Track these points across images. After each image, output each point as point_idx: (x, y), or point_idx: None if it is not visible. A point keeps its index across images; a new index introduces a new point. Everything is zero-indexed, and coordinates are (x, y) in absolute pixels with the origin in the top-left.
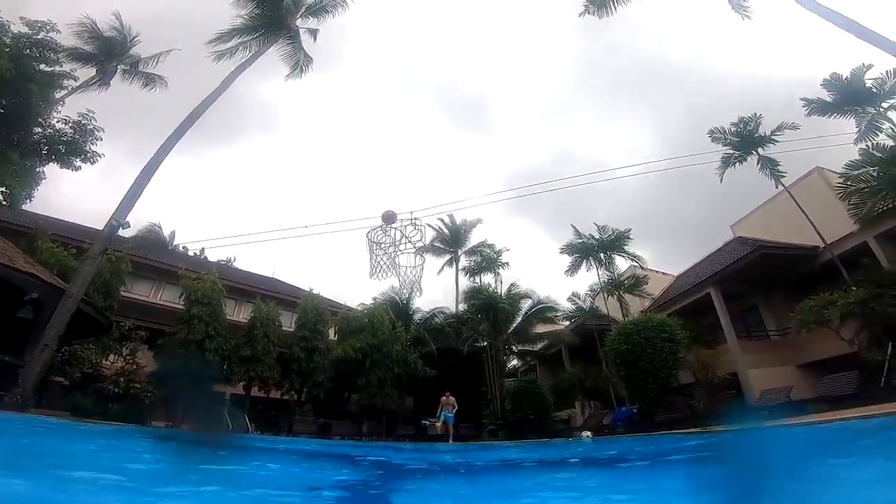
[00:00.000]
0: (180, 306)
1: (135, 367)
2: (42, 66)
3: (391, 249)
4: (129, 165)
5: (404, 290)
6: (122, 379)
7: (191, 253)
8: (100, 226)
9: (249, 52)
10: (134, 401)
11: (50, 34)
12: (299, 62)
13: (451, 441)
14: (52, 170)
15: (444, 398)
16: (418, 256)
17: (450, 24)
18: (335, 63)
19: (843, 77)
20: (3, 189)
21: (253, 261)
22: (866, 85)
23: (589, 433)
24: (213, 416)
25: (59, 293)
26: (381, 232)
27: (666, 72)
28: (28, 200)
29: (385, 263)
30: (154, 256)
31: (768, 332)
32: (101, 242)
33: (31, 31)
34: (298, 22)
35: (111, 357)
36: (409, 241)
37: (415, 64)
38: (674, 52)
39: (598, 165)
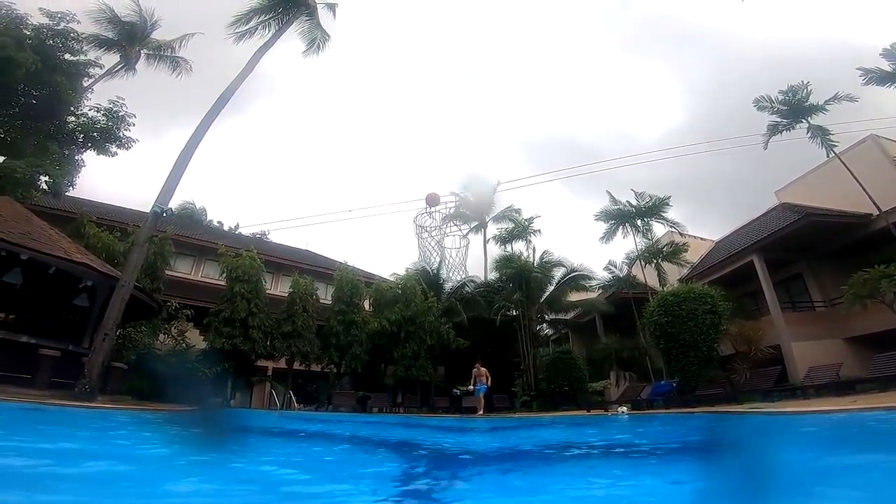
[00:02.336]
0: (221, 282)
1: (185, 346)
2: (67, 56)
3: (436, 233)
4: (151, 145)
5: (450, 273)
6: (173, 359)
7: (225, 228)
8: (134, 205)
9: (269, 31)
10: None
11: (70, 24)
12: (316, 39)
13: (481, 412)
14: (89, 157)
15: (475, 369)
16: (462, 239)
17: None
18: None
19: None
20: (47, 178)
21: (285, 234)
22: None
23: (625, 408)
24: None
25: (112, 281)
26: (426, 215)
27: (690, 29)
28: (70, 188)
29: (432, 246)
30: (191, 233)
31: (813, 304)
32: (147, 229)
33: (51, 22)
34: None
35: (161, 337)
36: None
37: (426, 26)
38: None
39: (622, 122)
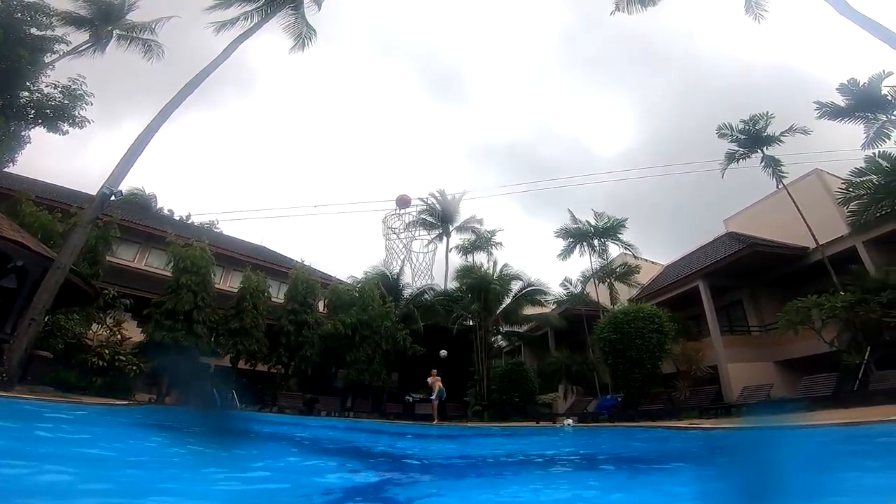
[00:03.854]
0: (165, 273)
1: (120, 337)
2: (33, 30)
3: (404, 236)
4: (103, 128)
5: (416, 276)
6: (106, 351)
7: (176, 217)
8: (79, 187)
9: (250, 21)
10: (119, 374)
11: None
12: (302, 34)
13: (436, 421)
14: (37, 133)
15: (431, 379)
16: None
17: None
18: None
19: (861, 83)
20: None
21: (239, 227)
22: (882, 92)
23: (570, 420)
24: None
25: (46, 262)
26: (396, 216)
27: (652, 51)
28: (10, 164)
29: (399, 249)
30: (138, 219)
31: (749, 329)
32: (92, 210)
33: None
34: None
35: (94, 327)
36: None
37: (394, 32)
38: (661, 31)
39: (577, 140)
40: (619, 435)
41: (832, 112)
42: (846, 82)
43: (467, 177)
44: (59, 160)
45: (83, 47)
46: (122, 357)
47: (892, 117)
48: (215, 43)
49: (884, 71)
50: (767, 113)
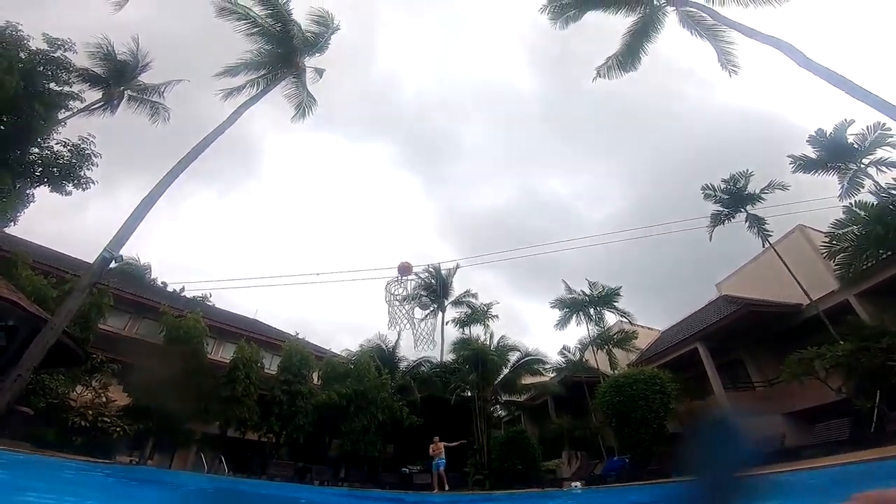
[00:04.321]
0: (157, 342)
1: (105, 400)
2: (52, 85)
3: (406, 304)
4: (103, 195)
5: (420, 343)
6: (90, 412)
7: (169, 289)
8: (64, 249)
9: (256, 88)
10: (101, 434)
11: (66, 53)
12: (303, 103)
13: (446, 489)
14: (39, 193)
15: (433, 445)
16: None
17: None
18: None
19: (828, 133)
20: None
21: (235, 300)
22: (848, 140)
23: (578, 484)
24: None
25: (38, 322)
26: (397, 284)
27: (631, 114)
28: (12, 223)
29: (401, 316)
30: (132, 290)
31: (753, 384)
32: (92, 275)
33: (48, 48)
34: (306, 60)
35: (79, 388)
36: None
37: (381, 104)
38: (637, 94)
39: (562, 208)
40: (638, 492)
41: (805, 165)
42: (815, 133)
43: (458, 250)
44: (45, 220)
45: (95, 106)
46: (105, 419)
47: (862, 166)
48: (207, 109)
49: (846, 119)
50: (747, 171)
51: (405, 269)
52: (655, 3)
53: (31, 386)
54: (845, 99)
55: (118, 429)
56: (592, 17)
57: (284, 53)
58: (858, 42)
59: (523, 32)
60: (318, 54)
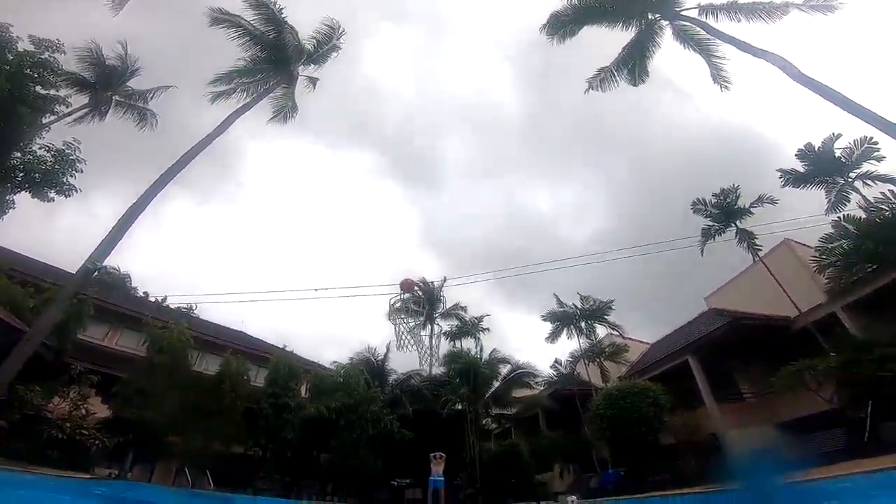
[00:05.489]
0: (138, 353)
1: (83, 412)
2: (38, 88)
3: (411, 322)
4: (74, 200)
5: (424, 361)
6: (67, 424)
7: (151, 299)
8: (55, 263)
9: (246, 95)
10: (79, 447)
11: (55, 55)
12: (285, 108)
13: None
14: (21, 199)
15: (434, 464)
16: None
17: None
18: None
19: (816, 147)
20: None
21: (220, 311)
22: (836, 154)
23: (573, 498)
24: None
25: (15, 333)
26: (399, 302)
27: (611, 128)
28: None
29: (408, 336)
30: (112, 299)
31: (743, 395)
32: (74, 285)
33: (36, 50)
34: (300, 69)
35: (56, 400)
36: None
37: (365, 120)
38: (613, 112)
39: (544, 220)
40: None
41: (794, 179)
42: (803, 147)
43: (444, 260)
44: (21, 227)
45: (81, 111)
46: (84, 431)
47: (849, 180)
48: (185, 116)
49: (833, 134)
50: (736, 186)
51: (408, 286)
52: (651, 17)
53: (5, 399)
54: (828, 115)
55: (97, 441)
56: (583, 32)
57: (278, 61)
58: (845, 58)
59: (506, 45)
60: (313, 66)
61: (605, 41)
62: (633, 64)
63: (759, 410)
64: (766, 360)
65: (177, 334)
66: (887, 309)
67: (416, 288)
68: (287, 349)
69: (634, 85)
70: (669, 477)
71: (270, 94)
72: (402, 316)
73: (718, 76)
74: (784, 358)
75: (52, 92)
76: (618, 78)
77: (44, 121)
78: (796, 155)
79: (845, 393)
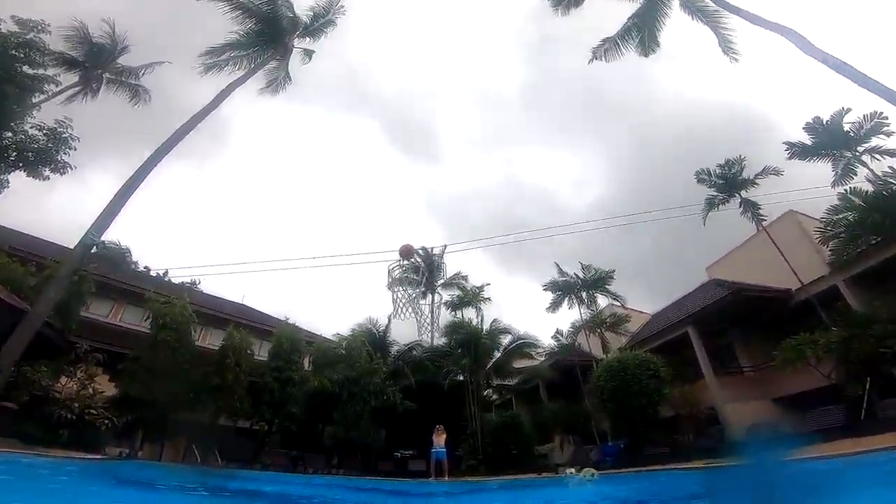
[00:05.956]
0: (142, 329)
1: (91, 391)
2: (25, 68)
3: (408, 289)
4: (69, 177)
5: (424, 331)
6: (76, 404)
7: (153, 273)
8: (56, 239)
9: (239, 68)
10: (88, 427)
11: (40, 35)
12: (278, 79)
13: (446, 478)
14: (16, 178)
15: (436, 436)
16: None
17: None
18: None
19: (825, 121)
20: None
21: (221, 285)
22: (844, 129)
23: (573, 470)
24: None
25: (17, 313)
26: (398, 267)
27: (611, 98)
28: None
29: (406, 303)
30: (114, 275)
31: (742, 368)
32: (73, 262)
33: (21, 31)
34: (296, 42)
35: (63, 380)
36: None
37: (364, 87)
38: (615, 80)
39: (545, 190)
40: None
41: (801, 151)
42: (811, 121)
43: (445, 229)
44: (18, 205)
45: (72, 90)
46: (92, 411)
47: (857, 154)
48: (177, 91)
49: (843, 108)
50: (741, 157)
51: (407, 253)
52: None
53: (13, 379)
54: (828, 92)
55: (106, 421)
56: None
57: (272, 33)
58: (854, 31)
59: (507, 14)
60: (309, 38)
61: (605, 13)
62: (644, 34)
63: (758, 384)
64: (766, 333)
65: (179, 309)
66: (889, 284)
67: (415, 254)
68: (289, 321)
69: (645, 55)
70: (668, 451)
71: (266, 67)
72: (401, 284)
73: (728, 48)
74: (784, 331)
75: (40, 71)
76: (622, 48)
77: (34, 100)
78: (804, 128)
79: (843, 369)
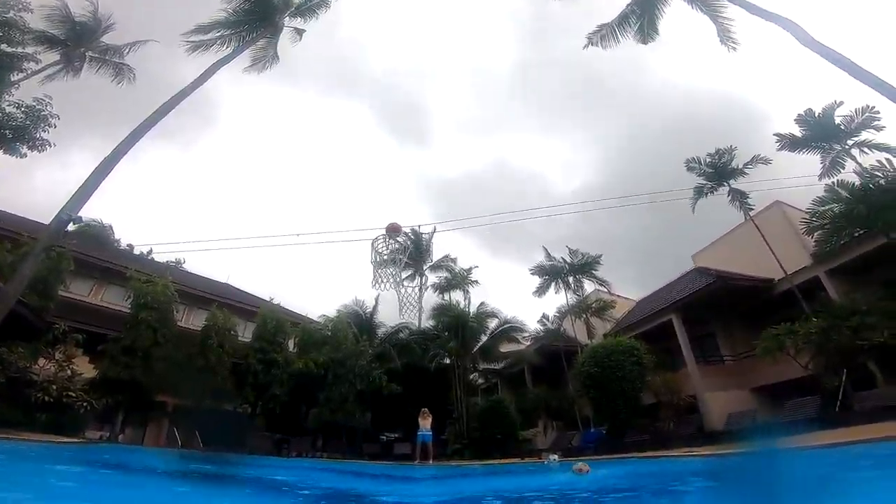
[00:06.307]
0: (124, 309)
1: (70, 373)
2: (3, 46)
3: (393, 266)
4: (55, 155)
5: (405, 310)
6: (53, 386)
7: (136, 252)
8: (32, 215)
9: (227, 46)
10: (67, 410)
11: (21, 13)
12: (265, 58)
13: (431, 461)
14: None
15: (422, 420)
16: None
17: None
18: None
19: (816, 113)
20: None
21: (205, 265)
22: (836, 122)
23: (556, 456)
24: None
25: None
26: (383, 243)
27: (601, 85)
28: None
29: (386, 277)
30: (95, 253)
31: (723, 358)
32: (48, 238)
33: (0, 9)
34: (286, 20)
35: (41, 361)
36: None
37: (354, 69)
38: (607, 67)
39: (533, 175)
40: (625, 466)
41: (791, 143)
42: (803, 113)
43: (434, 212)
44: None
45: (53, 69)
46: (71, 393)
47: (846, 147)
48: (166, 71)
49: (836, 101)
50: (731, 147)
51: (394, 230)
52: None
53: None
54: (822, 85)
55: (85, 403)
56: None
57: (263, 11)
58: (850, 24)
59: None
60: (300, 18)
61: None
62: (643, 21)
63: (738, 374)
64: (749, 323)
65: (161, 288)
66: (870, 276)
67: (402, 233)
68: (274, 302)
69: (644, 43)
70: (649, 438)
71: (254, 45)
72: (386, 263)
73: (726, 37)
74: (766, 320)
75: (20, 49)
76: (619, 35)
77: (13, 79)
78: (795, 120)
79: (821, 360)
